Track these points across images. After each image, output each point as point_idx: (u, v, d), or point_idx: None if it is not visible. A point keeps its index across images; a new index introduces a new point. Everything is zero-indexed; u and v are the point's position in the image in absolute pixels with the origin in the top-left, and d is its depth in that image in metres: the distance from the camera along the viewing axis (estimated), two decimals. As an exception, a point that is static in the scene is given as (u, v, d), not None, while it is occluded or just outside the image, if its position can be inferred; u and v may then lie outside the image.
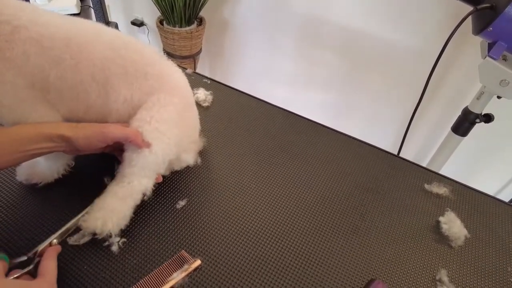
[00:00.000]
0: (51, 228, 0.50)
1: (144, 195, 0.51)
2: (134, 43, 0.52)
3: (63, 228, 0.46)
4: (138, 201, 0.51)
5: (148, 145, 0.49)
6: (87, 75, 0.46)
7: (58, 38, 0.43)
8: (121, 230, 0.50)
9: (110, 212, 0.48)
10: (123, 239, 0.49)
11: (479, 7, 0.89)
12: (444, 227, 0.57)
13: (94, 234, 0.47)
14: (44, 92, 0.44)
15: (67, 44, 0.44)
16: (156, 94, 0.52)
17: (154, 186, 0.55)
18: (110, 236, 0.48)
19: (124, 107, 0.50)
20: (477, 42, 1.07)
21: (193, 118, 0.61)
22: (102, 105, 0.49)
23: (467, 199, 0.63)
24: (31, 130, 0.43)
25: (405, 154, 1.62)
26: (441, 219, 0.58)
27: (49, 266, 0.40)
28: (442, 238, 0.56)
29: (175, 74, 0.56)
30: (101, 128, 0.46)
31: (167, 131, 0.51)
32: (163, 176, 0.58)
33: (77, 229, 0.48)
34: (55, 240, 0.45)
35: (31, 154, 0.43)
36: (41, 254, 0.42)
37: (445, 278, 0.50)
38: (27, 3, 0.43)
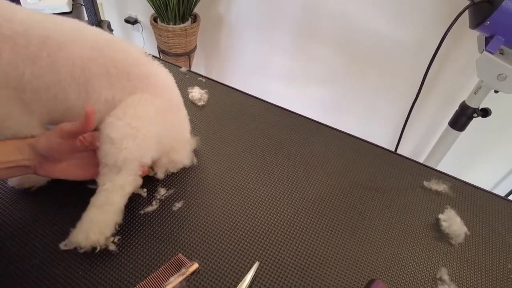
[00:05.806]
0: (44, 233, 0.49)
1: (128, 194, 0.49)
2: (118, 42, 0.50)
3: None
4: (120, 203, 0.48)
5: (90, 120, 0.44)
6: (66, 74, 0.45)
7: (35, 35, 0.42)
8: (116, 234, 0.49)
9: (91, 223, 0.46)
10: (118, 243, 0.48)
11: (476, 0, 0.88)
12: (444, 224, 0.56)
13: (81, 248, 0.46)
14: (19, 91, 0.43)
15: (44, 42, 0.43)
16: (138, 94, 0.50)
17: (149, 188, 0.54)
18: (95, 248, 0.47)
19: (105, 108, 0.48)
20: (474, 36, 1.06)
21: (180, 118, 0.59)
22: (82, 106, 0.47)
23: (467, 196, 0.63)
24: None
25: (402, 149, 1.62)
26: (440, 216, 0.58)
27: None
28: (442, 236, 0.56)
29: (160, 75, 0.55)
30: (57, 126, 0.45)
31: (141, 127, 0.48)
32: (158, 179, 0.57)
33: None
34: None
35: None
36: None
37: (446, 277, 0.49)
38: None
